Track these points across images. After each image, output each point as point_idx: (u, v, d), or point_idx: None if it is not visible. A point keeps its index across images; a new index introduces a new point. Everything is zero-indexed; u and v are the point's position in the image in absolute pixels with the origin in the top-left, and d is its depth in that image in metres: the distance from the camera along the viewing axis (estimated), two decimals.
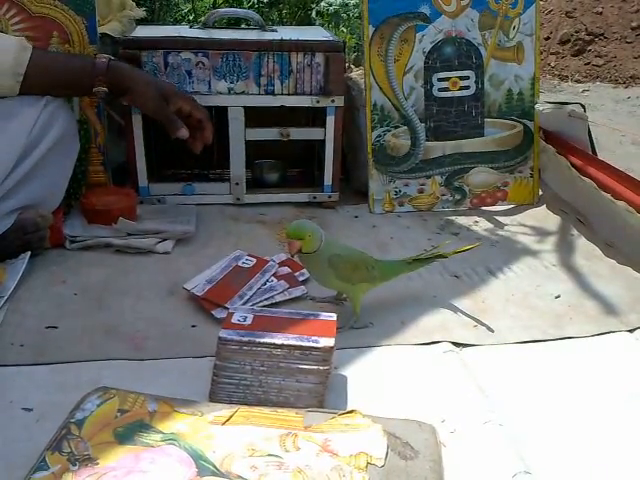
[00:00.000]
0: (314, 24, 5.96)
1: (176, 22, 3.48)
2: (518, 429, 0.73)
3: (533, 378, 0.83)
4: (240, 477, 0.59)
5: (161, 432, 0.65)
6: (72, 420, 0.66)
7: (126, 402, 0.69)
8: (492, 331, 0.93)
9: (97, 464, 0.61)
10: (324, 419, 0.68)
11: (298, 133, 1.34)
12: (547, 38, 4.14)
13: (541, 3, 4.80)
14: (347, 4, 6.40)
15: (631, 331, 0.94)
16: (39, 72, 1.01)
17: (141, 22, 1.47)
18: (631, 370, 0.85)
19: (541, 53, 4.09)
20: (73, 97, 1.16)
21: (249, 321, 0.77)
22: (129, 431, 0.65)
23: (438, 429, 0.69)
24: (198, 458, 0.62)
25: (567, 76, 3.84)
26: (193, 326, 0.91)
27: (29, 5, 1.24)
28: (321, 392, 0.75)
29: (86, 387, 0.71)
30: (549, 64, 3.96)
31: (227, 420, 0.68)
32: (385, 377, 0.82)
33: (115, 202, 1.16)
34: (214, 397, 0.75)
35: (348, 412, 0.70)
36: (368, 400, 0.75)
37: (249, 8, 5.87)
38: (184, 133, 1.09)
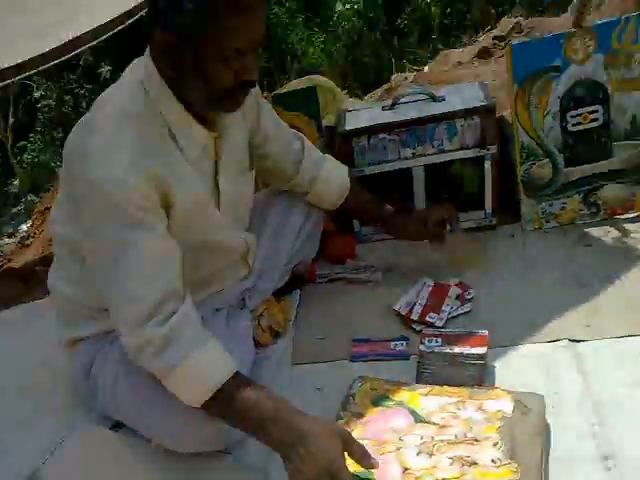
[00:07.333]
0: None
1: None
2: (608, 410, 1.18)
3: (627, 366, 1.26)
4: (435, 423, 1.19)
5: (394, 400, 1.27)
6: (351, 392, 1.30)
7: (373, 384, 1.32)
8: (600, 330, 1.38)
9: (363, 417, 1.25)
10: (481, 392, 1.25)
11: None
12: None
13: None
14: None
15: None
16: None
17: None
18: None
19: None
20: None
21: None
22: (378, 400, 1.28)
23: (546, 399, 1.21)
24: (413, 413, 1.22)
25: None
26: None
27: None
28: (480, 377, 1.31)
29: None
30: None
31: (428, 393, 1.27)
32: (518, 364, 1.34)
33: (344, 248, 1.81)
34: (419, 380, 1.35)
35: (494, 388, 1.26)
36: (505, 380, 1.29)
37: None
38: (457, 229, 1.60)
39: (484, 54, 2.97)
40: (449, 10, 4.88)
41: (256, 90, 1.36)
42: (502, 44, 3.04)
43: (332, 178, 1.61)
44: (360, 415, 1.25)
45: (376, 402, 1.27)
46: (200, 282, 1.36)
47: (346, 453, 1.04)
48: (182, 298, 1.16)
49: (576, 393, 1.24)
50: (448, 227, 1.59)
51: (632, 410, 1.18)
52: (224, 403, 1.12)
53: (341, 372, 1.42)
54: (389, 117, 1.87)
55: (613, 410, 1.19)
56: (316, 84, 1.94)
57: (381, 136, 1.81)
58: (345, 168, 1.65)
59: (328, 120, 1.94)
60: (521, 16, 3.47)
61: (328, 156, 1.63)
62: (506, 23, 3.28)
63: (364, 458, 1.05)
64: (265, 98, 1.88)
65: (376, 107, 1.94)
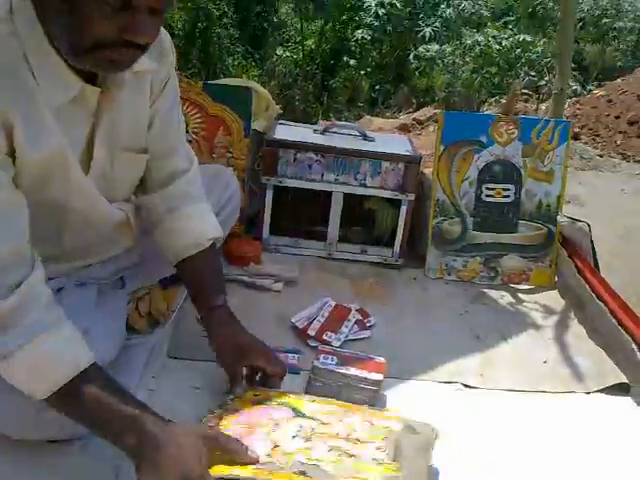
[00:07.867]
0: (410, 66, 6.53)
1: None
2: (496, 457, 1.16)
3: (512, 416, 1.28)
4: (318, 419, 1.08)
5: (276, 401, 1.14)
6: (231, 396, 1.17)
7: (256, 390, 1.18)
8: (492, 380, 1.39)
9: (238, 411, 1.10)
10: (370, 410, 1.16)
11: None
12: (617, 117, 4.47)
13: (618, 81, 5.13)
14: (443, 50, 6.91)
15: (587, 393, 1.38)
16: None
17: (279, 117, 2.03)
18: (579, 420, 1.30)
19: (609, 131, 4.43)
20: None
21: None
22: (259, 401, 1.14)
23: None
24: (295, 410, 1.10)
25: (630, 155, 4.16)
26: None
27: (207, 108, 1.81)
28: (372, 401, 1.23)
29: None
30: (615, 142, 4.29)
31: (314, 401, 1.16)
32: (411, 397, 1.29)
33: (248, 251, 1.70)
34: (308, 391, 1.25)
35: (385, 410, 1.18)
36: (399, 407, 1.23)
37: (354, 40, 6.41)
38: (238, 392, 1.16)
39: (404, 129, 3.11)
40: (377, 87, 5.25)
41: (171, 60, 1.17)
42: (420, 126, 3.20)
43: (197, 220, 1.28)
44: (236, 410, 1.11)
45: (257, 403, 1.14)
46: (66, 254, 1.17)
47: (220, 453, 0.94)
48: (31, 265, 0.95)
49: (464, 435, 1.20)
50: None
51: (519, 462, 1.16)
52: (72, 402, 0.95)
53: (220, 373, 1.27)
54: (319, 140, 1.85)
55: (500, 458, 1.16)
56: (252, 88, 1.88)
57: (308, 154, 1.78)
58: (217, 227, 1.31)
59: (258, 125, 1.88)
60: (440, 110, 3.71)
61: (208, 205, 1.31)
62: (425, 111, 3.49)
63: (240, 453, 0.95)
64: (191, 83, 1.80)
65: (308, 128, 1.93)
